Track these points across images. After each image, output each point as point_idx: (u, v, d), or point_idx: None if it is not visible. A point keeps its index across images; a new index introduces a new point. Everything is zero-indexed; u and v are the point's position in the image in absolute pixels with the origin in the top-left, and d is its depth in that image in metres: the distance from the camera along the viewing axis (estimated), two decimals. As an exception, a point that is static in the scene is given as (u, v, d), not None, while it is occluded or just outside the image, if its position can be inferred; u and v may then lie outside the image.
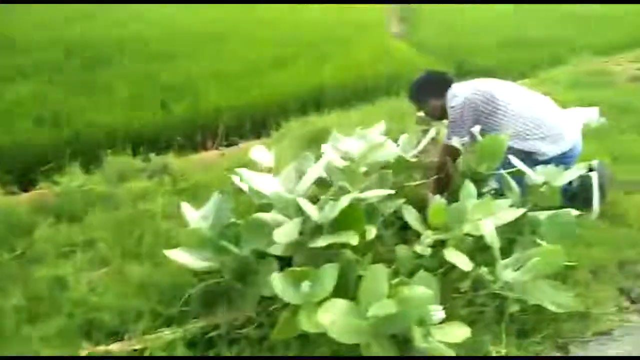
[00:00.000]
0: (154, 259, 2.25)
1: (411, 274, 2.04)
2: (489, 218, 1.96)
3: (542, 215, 2.28)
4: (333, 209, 1.78)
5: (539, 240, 2.14)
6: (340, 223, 1.77)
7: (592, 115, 4.24)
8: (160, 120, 4.96)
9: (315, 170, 1.92)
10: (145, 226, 2.50)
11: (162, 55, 6.33)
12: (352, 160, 2.11)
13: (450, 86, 2.96)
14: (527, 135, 2.79)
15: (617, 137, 3.88)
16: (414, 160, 2.72)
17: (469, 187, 2.17)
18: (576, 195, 2.91)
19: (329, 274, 1.63)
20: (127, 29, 7.23)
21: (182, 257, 1.96)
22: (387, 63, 6.67)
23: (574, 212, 2.26)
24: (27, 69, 5.79)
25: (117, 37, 6.87)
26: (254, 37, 7.42)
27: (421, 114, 3.17)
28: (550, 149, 2.76)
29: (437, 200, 2.19)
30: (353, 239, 1.69)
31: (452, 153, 2.82)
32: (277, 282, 1.60)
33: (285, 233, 1.74)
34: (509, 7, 10.57)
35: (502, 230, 2.31)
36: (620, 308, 2.24)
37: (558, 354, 1.99)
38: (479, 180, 2.61)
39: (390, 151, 2.21)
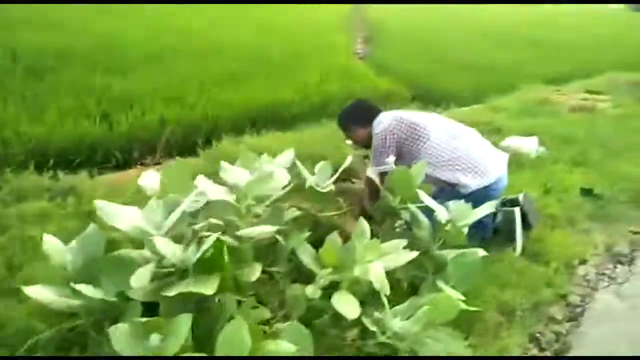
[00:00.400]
0: (20, 294, 1.99)
1: (302, 318, 1.85)
2: (379, 260, 1.78)
3: (450, 254, 2.11)
4: (197, 250, 1.57)
5: (440, 284, 1.96)
6: (203, 266, 1.55)
7: (531, 145, 4.14)
8: (98, 134, 4.69)
9: (184, 205, 1.70)
10: (22, 254, 2.25)
11: (110, 67, 6.07)
12: (239, 193, 1.90)
13: (376, 115, 2.82)
14: (449, 165, 2.65)
15: (552, 168, 3.76)
16: (326, 189, 2.53)
17: (362, 224, 1.98)
18: (500, 231, 2.77)
19: (183, 324, 1.41)
20: (77, 39, 6.95)
21: (42, 294, 1.72)
22: (341, 83, 6.54)
23: (481, 251, 2.08)
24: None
25: (65, 46, 6.59)
26: (209, 51, 7.23)
27: (349, 142, 3.01)
28: (473, 182, 2.61)
29: (330, 239, 2.00)
30: (209, 288, 1.48)
31: (373, 182, 2.66)
32: (119, 336, 1.38)
33: (138, 276, 1.52)
34: (476, 29, 10.70)
35: (407, 269, 2.14)
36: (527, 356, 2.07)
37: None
38: (392, 214, 2.44)
39: (281, 182, 1.99)
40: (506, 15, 14.11)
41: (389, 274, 1.97)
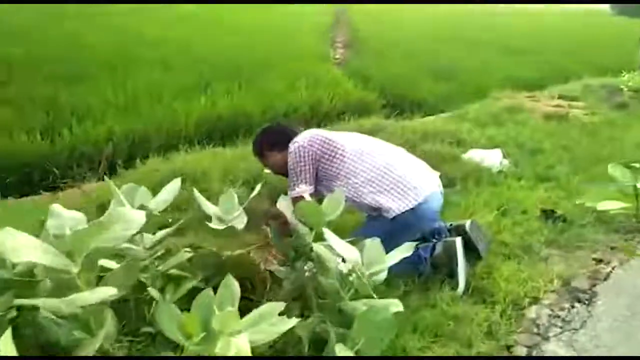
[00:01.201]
0: None
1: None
2: (247, 331, 1.36)
3: (361, 307, 1.70)
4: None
5: (340, 349, 1.53)
6: None
7: (494, 159, 3.72)
8: (37, 150, 4.26)
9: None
10: None
11: (62, 76, 5.65)
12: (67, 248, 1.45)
13: (292, 138, 2.42)
14: (368, 186, 2.26)
15: (513, 185, 3.34)
16: (231, 222, 2.11)
17: (205, 295, 1.50)
18: (439, 264, 2.35)
19: None
20: (34, 47, 6.53)
21: None
22: (308, 92, 6.12)
23: (396, 305, 1.66)
24: None
25: (18, 55, 6.18)
26: (173, 59, 6.81)
27: (267, 170, 2.60)
28: (395, 205, 2.21)
29: (200, 298, 1.56)
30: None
31: (278, 215, 2.29)
32: None
33: None
34: (453, 33, 10.29)
35: (308, 327, 1.73)
36: None
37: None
38: (304, 254, 2.02)
39: (132, 226, 1.53)
40: (484, 16, 13.73)
41: (287, 333, 1.56)
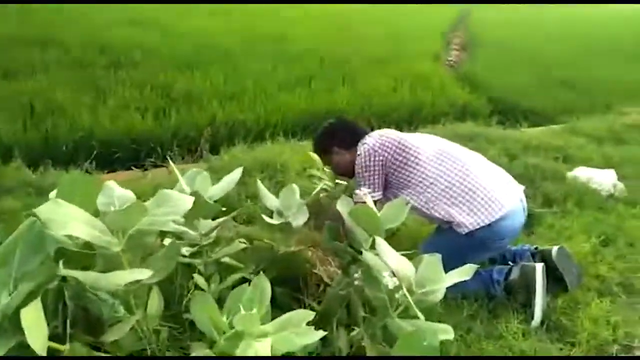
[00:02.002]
0: None
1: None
2: (272, 336, 1.26)
3: (406, 327, 1.53)
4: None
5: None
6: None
7: (605, 180, 3.25)
8: (144, 129, 4.56)
9: None
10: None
11: (182, 64, 6.01)
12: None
13: (362, 137, 2.27)
14: (441, 197, 2.04)
15: (623, 212, 2.89)
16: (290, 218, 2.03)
17: (241, 290, 1.41)
18: (513, 290, 2.08)
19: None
20: (165, 37, 7.04)
21: None
22: (412, 93, 5.89)
23: (446, 330, 1.47)
24: None
25: (152, 43, 6.69)
26: (282, 53, 6.94)
27: (328, 169, 2.48)
28: (469, 219, 1.98)
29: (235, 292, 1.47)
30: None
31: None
32: None
33: None
34: (581, 44, 9.32)
35: (349, 339, 1.61)
36: None
37: None
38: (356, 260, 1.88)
39: (166, 218, 1.46)
40: (616, 20, 12.26)
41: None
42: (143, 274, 1.36)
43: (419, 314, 1.46)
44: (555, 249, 2.17)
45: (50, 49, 6.01)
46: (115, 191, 1.49)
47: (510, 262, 2.22)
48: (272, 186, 2.83)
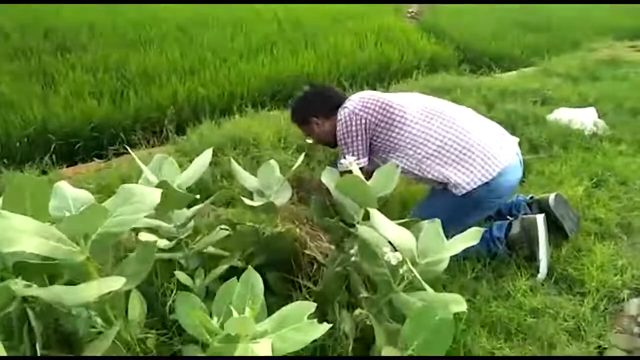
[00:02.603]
0: None
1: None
2: (271, 336, 1.10)
3: (413, 302, 1.39)
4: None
5: (390, 352, 1.26)
6: None
7: (586, 118, 3.16)
8: (104, 114, 4.24)
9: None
10: None
11: (134, 41, 5.62)
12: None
13: (340, 104, 2.08)
14: (433, 157, 1.89)
15: (610, 150, 2.81)
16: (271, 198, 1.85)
17: (229, 287, 1.24)
18: (516, 244, 1.97)
19: None
20: (113, 16, 6.57)
21: None
22: (377, 48, 5.67)
23: (457, 300, 1.34)
24: None
25: (97, 23, 6.23)
26: (235, 22, 6.58)
27: (310, 140, 2.29)
28: (465, 179, 1.83)
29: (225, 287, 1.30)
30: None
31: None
32: None
33: None
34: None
35: (355, 320, 1.47)
36: None
37: None
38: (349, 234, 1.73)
39: (131, 218, 1.23)
40: None
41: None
42: (115, 283, 1.17)
43: (427, 287, 1.33)
44: (551, 196, 2.07)
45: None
46: (68, 192, 1.28)
47: (507, 216, 2.11)
48: (247, 163, 2.63)
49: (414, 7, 8.82)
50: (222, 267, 1.62)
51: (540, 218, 1.91)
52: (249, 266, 1.25)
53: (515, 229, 1.94)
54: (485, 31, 6.59)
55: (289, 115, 2.29)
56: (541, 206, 2.08)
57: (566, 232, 2.04)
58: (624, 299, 1.80)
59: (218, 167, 2.59)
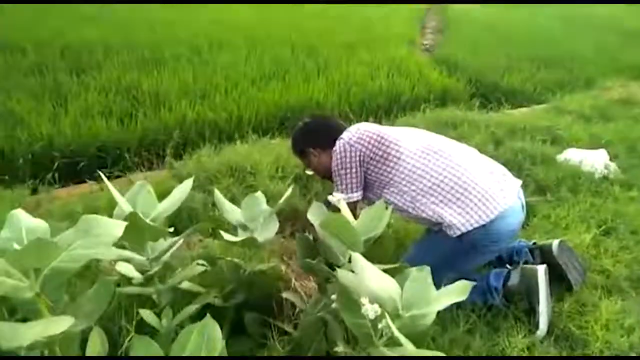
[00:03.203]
0: None
1: None
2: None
3: (392, 355, 1.25)
4: None
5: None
6: None
7: (597, 160, 3.01)
8: (110, 135, 4.21)
9: None
10: None
11: (148, 62, 5.63)
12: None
13: (339, 135, 1.98)
14: (428, 195, 1.76)
15: (621, 196, 2.65)
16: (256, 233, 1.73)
17: (185, 336, 1.11)
18: (514, 296, 1.82)
19: None
20: (131, 34, 6.64)
21: None
22: (390, 79, 5.60)
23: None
24: None
25: (112, 40, 6.28)
26: (249, 46, 6.59)
27: (310, 171, 2.19)
28: (461, 220, 1.70)
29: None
30: None
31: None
32: None
33: None
34: (556, 20, 9.08)
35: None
36: None
37: None
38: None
39: (87, 253, 1.12)
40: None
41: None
42: (61, 324, 1.06)
43: (407, 344, 1.19)
44: (555, 243, 1.92)
45: (6, 54, 5.59)
46: (23, 222, 1.18)
47: (507, 263, 1.96)
48: (242, 192, 2.53)
49: (427, 39, 8.80)
50: (192, 307, 1.49)
51: (541, 269, 1.77)
52: (208, 315, 1.12)
53: (514, 279, 1.79)
54: (498, 65, 6.50)
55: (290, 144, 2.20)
56: (544, 253, 1.93)
57: (570, 283, 1.89)
58: (631, 363, 1.62)
59: (211, 196, 2.49)
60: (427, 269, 1.36)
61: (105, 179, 1.52)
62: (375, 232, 1.55)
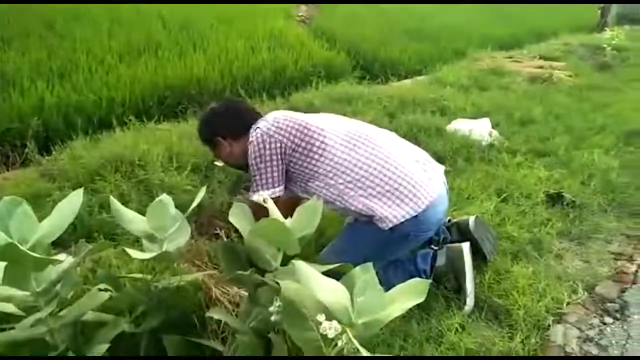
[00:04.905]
0: None
1: None
2: None
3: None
4: None
5: None
6: None
7: (483, 129, 3.17)
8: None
9: None
10: None
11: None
12: None
13: (254, 121, 1.77)
14: (356, 188, 1.65)
15: (509, 162, 2.82)
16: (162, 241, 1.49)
17: None
18: (441, 276, 1.81)
19: None
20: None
21: None
22: (271, 53, 5.37)
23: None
24: None
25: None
26: (113, 19, 5.89)
27: (219, 162, 1.95)
28: (392, 213, 1.62)
29: None
30: None
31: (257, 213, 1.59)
32: None
33: None
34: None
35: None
36: None
37: None
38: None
39: None
40: None
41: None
42: None
43: (364, 352, 1.08)
44: (471, 219, 1.94)
45: None
46: None
47: (431, 245, 1.94)
48: (132, 188, 2.20)
49: (302, 10, 8.64)
50: (103, 347, 1.22)
51: (466, 247, 1.77)
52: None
53: (441, 260, 1.78)
54: (374, 37, 6.60)
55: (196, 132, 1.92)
56: (461, 229, 1.95)
57: (485, 255, 1.93)
58: (549, 326, 1.71)
59: (96, 196, 2.13)
60: (372, 270, 1.25)
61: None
62: (309, 230, 1.40)
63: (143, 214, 2.08)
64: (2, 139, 3.38)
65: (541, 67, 4.62)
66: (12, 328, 1.28)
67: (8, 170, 3.01)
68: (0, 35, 4.83)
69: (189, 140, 2.64)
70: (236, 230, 2.03)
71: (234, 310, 1.56)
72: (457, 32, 6.63)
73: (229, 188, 2.44)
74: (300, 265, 1.19)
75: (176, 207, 1.46)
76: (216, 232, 2.06)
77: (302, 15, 8.26)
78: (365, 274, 1.26)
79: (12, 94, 3.79)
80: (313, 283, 1.18)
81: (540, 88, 4.10)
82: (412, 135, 2.99)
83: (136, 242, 1.86)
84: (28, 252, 1.08)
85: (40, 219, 1.82)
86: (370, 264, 1.26)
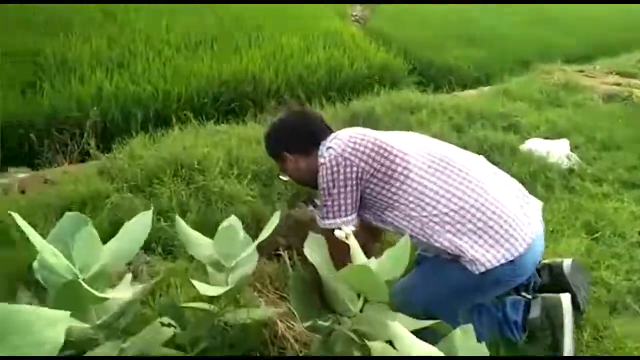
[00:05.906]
0: None
1: None
2: None
3: None
4: None
5: None
6: None
7: (561, 151, 2.87)
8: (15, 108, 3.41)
9: None
10: None
11: (49, 24, 4.72)
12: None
13: (325, 136, 1.57)
14: (444, 223, 1.41)
15: (594, 192, 2.52)
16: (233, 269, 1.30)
17: None
18: (536, 329, 1.57)
19: None
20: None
21: None
22: (326, 53, 5.16)
23: None
24: None
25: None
26: (174, 9, 5.81)
27: (284, 177, 1.76)
28: (485, 256, 1.38)
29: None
30: None
31: (332, 245, 1.38)
32: None
33: None
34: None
35: None
36: None
37: None
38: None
39: None
40: None
41: None
42: None
43: None
44: (566, 263, 1.69)
45: None
46: None
47: (522, 293, 1.69)
48: (191, 195, 2.05)
49: (357, 10, 8.39)
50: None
51: (566, 299, 1.53)
52: None
53: (535, 311, 1.54)
54: (428, 40, 6.30)
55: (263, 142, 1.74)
56: (553, 273, 1.70)
57: (579, 305, 1.67)
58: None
59: (154, 201, 1.99)
60: (472, 332, 1.05)
61: (17, 217, 1.00)
62: (395, 274, 1.20)
63: (201, 224, 1.93)
64: (61, 127, 3.33)
65: (619, 85, 4.25)
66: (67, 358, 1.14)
67: (66, 160, 2.94)
68: (61, 23, 4.82)
69: (248, 145, 2.48)
70: (298, 249, 1.85)
71: (300, 352, 1.38)
72: (521, 42, 6.25)
73: (290, 200, 2.26)
74: (397, 328, 0.99)
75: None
76: (277, 251, 1.88)
77: (356, 15, 8.03)
78: (467, 339, 1.05)
79: (73, 80, 3.75)
80: (407, 347, 0.97)
81: (619, 107, 3.74)
82: (484, 153, 2.71)
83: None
84: (91, 290, 0.92)
85: (98, 223, 1.68)
86: (470, 326, 1.06)
